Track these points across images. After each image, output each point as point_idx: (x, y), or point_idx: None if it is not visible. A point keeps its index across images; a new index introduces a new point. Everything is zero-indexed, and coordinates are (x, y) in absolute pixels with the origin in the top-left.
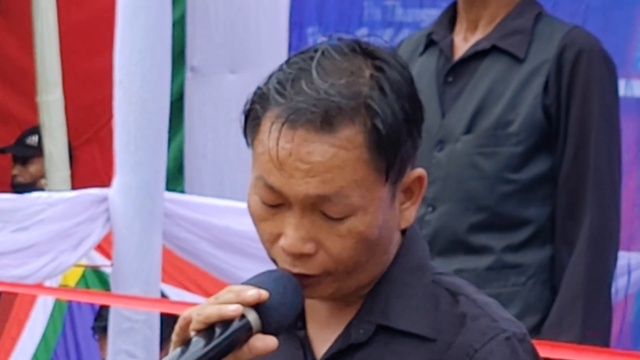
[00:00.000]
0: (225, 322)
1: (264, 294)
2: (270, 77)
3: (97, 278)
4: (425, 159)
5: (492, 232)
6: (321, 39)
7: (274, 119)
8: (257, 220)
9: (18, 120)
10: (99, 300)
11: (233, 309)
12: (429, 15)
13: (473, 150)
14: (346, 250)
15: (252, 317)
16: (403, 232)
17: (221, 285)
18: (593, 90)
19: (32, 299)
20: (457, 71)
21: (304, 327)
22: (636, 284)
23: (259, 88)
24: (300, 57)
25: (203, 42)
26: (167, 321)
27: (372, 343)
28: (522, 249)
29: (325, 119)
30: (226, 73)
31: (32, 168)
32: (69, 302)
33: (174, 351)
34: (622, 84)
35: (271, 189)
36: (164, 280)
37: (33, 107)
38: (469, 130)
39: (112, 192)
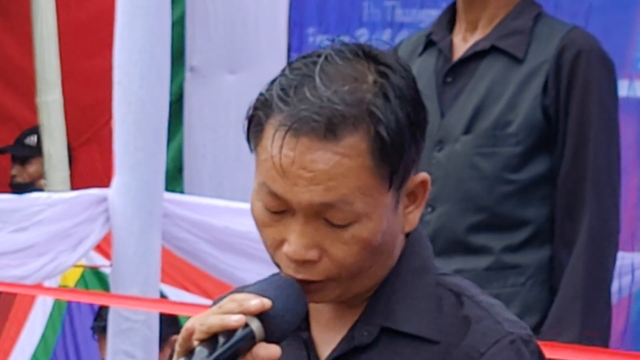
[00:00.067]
0: (229, 331)
1: (267, 302)
2: (272, 82)
3: (96, 278)
4: (424, 159)
5: (491, 232)
6: (321, 39)
7: (277, 126)
8: (260, 226)
9: (17, 121)
10: (98, 301)
11: (236, 320)
12: (429, 16)
13: (472, 151)
14: (350, 257)
15: (255, 325)
16: (407, 233)
17: (220, 286)
18: (592, 91)
19: (32, 299)
20: (456, 71)
21: (307, 328)
22: (636, 284)
23: (261, 94)
24: (302, 62)
25: (202, 42)
26: (167, 321)
27: (375, 345)
28: (521, 250)
29: (329, 127)
30: (225, 73)
31: (31, 168)
32: (68, 302)
33: None
34: (624, 85)
35: (275, 195)
36: (163, 281)
37: (32, 108)
38: (468, 130)
39: (111, 192)
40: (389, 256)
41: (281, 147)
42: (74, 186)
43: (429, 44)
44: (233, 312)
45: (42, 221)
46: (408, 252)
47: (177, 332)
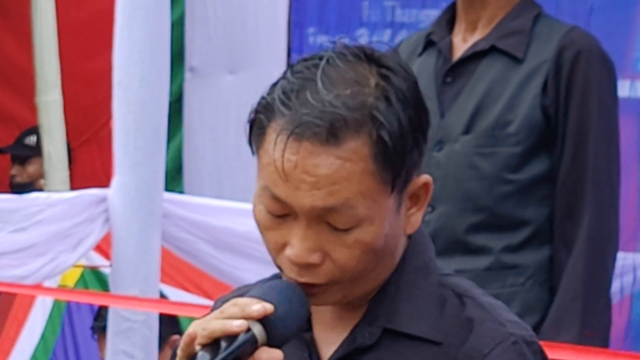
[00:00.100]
0: (231, 336)
1: (269, 307)
2: (274, 85)
3: (95, 278)
4: (424, 159)
5: (491, 232)
6: (321, 39)
7: (280, 130)
8: (262, 229)
9: (17, 121)
10: (98, 301)
11: (238, 325)
12: (428, 16)
13: (472, 151)
14: (352, 260)
15: (257, 329)
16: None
17: (220, 286)
18: (592, 91)
19: (31, 300)
20: (455, 71)
21: (309, 329)
22: (636, 284)
23: (263, 97)
24: (304, 65)
25: (202, 42)
26: (166, 321)
27: (378, 346)
28: (521, 250)
29: (331, 132)
30: (225, 73)
31: (31, 168)
32: (68, 302)
33: None
34: (626, 85)
35: (277, 199)
36: (162, 281)
37: (32, 108)
38: (467, 130)
39: (111, 192)
40: (391, 258)
41: (283, 151)
42: (74, 186)
43: (429, 44)
44: (235, 317)
45: (41, 221)
46: (410, 253)
47: (177, 332)
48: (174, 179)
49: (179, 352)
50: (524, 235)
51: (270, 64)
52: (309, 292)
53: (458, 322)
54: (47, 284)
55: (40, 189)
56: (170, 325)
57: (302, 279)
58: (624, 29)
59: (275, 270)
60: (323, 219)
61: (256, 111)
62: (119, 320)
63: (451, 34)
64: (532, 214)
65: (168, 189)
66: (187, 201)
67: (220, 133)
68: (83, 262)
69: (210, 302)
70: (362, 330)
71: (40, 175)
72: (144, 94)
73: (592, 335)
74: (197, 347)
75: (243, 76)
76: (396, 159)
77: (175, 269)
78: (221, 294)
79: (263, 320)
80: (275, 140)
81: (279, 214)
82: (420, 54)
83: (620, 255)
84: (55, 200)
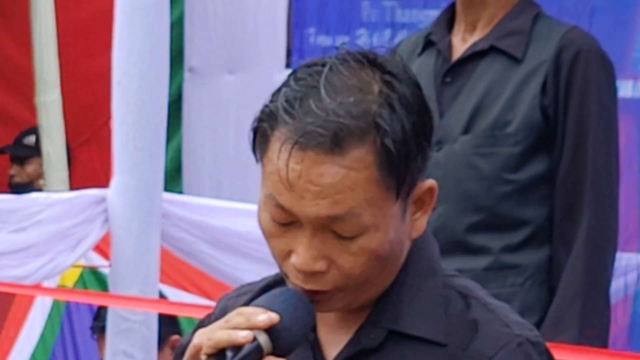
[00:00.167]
0: (237, 346)
1: (274, 317)
2: (277, 92)
3: (95, 278)
4: None
5: (490, 232)
6: (322, 39)
7: (284, 139)
8: (267, 237)
9: (16, 121)
10: (97, 301)
11: (244, 336)
12: (428, 16)
13: (471, 151)
14: (358, 267)
15: (263, 339)
16: None
17: (219, 286)
18: (591, 91)
19: (30, 300)
20: (455, 72)
21: (313, 329)
22: (635, 285)
23: (266, 105)
24: (307, 72)
25: (201, 42)
26: (166, 322)
27: (382, 348)
28: (520, 250)
29: (335, 141)
30: (224, 74)
31: (30, 168)
32: (67, 302)
33: None
34: (628, 85)
35: (282, 208)
36: (162, 281)
37: (31, 108)
38: (467, 130)
39: (110, 192)
40: (396, 263)
41: (288, 160)
42: (73, 186)
43: (428, 44)
44: (240, 327)
45: (41, 221)
46: (414, 255)
47: (176, 332)
48: (173, 179)
49: None
50: (524, 235)
51: (269, 64)
52: (314, 299)
53: (463, 323)
54: (46, 284)
55: (40, 189)
56: (169, 326)
57: (308, 287)
58: (626, 30)
59: (275, 270)
60: (328, 227)
61: (259, 119)
62: (118, 321)
63: (450, 34)
64: (531, 214)
65: (167, 189)
66: (187, 201)
67: (220, 133)
68: (82, 262)
69: (209, 302)
70: (366, 332)
71: (39, 175)
72: (143, 94)
73: (591, 336)
74: (203, 357)
75: (242, 76)
76: (400, 166)
77: (175, 269)
78: (220, 295)
79: (269, 329)
80: (279, 149)
81: (284, 222)
82: (419, 54)
83: (620, 255)
84: (55, 201)
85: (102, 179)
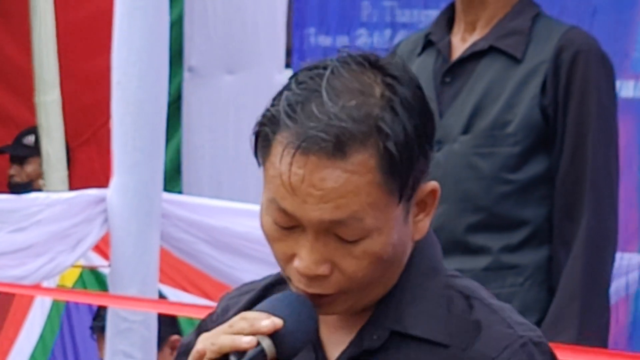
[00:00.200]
0: (240, 351)
1: (278, 322)
2: (278, 96)
3: (94, 279)
4: None
5: (490, 232)
6: (322, 39)
7: (286, 144)
8: (270, 240)
9: (16, 121)
10: (97, 301)
11: (247, 341)
12: (427, 16)
13: (470, 151)
14: (361, 270)
15: (267, 344)
16: None
17: (219, 286)
18: (590, 91)
19: (30, 300)
20: (454, 72)
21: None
22: (634, 285)
23: (268, 109)
24: (308, 76)
25: (201, 42)
26: (165, 322)
27: (385, 349)
28: (520, 250)
29: (337, 146)
30: (224, 73)
31: (29, 168)
32: (67, 302)
33: None
34: (630, 85)
35: (284, 212)
36: (161, 281)
37: (31, 108)
38: (466, 130)
39: (109, 192)
40: (399, 265)
41: (290, 165)
42: (73, 186)
43: (428, 44)
44: (244, 332)
45: (40, 221)
46: (417, 255)
47: (176, 332)
48: (173, 179)
49: None
50: (523, 235)
51: (269, 64)
52: (317, 302)
53: (466, 324)
54: (45, 284)
55: (39, 189)
56: (169, 326)
57: (311, 290)
58: (627, 30)
59: (274, 270)
60: (331, 231)
61: (261, 123)
62: (117, 321)
63: (450, 34)
64: (531, 214)
65: (167, 189)
66: (186, 201)
67: (219, 133)
68: (82, 262)
69: (209, 303)
70: (369, 333)
71: (39, 175)
72: (143, 94)
73: (590, 336)
74: None
75: (242, 76)
76: (403, 169)
77: (174, 269)
78: (220, 295)
79: (272, 334)
80: (281, 153)
81: (287, 225)
82: (419, 54)
83: (619, 255)
84: (54, 201)
85: (101, 179)
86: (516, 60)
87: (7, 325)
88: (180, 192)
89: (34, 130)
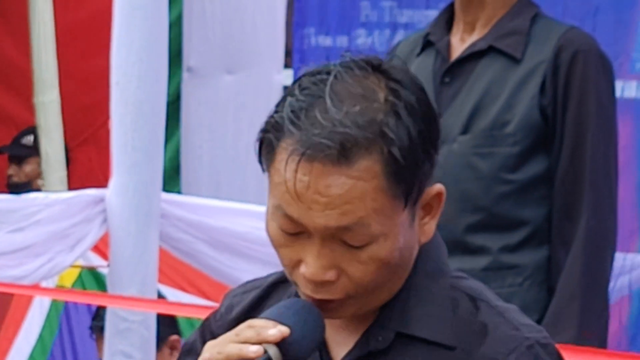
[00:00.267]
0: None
1: (285, 331)
2: (282, 102)
3: (93, 279)
4: None
5: (489, 232)
6: (322, 39)
7: (290, 151)
8: (276, 246)
9: (15, 121)
10: (96, 301)
11: (254, 351)
12: (426, 17)
13: (470, 151)
14: (368, 276)
15: (273, 352)
16: None
17: (218, 286)
18: (589, 91)
19: (29, 300)
20: (453, 72)
21: None
22: (633, 285)
23: (271, 116)
24: (311, 81)
25: (200, 42)
26: (164, 322)
27: (390, 350)
28: (519, 250)
29: (342, 152)
30: (223, 74)
31: (28, 168)
32: (66, 302)
33: None
34: (633, 86)
35: (290, 218)
36: (160, 281)
37: (30, 108)
38: (465, 130)
39: (108, 192)
40: (405, 268)
41: (295, 172)
42: (72, 186)
43: (427, 44)
44: (251, 341)
45: (39, 221)
46: (423, 257)
47: (175, 332)
48: (172, 179)
49: None
50: (522, 235)
51: (268, 64)
52: (324, 307)
53: (472, 326)
54: (44, 284)
55: (38, 189)
56: (168, 326)
57: (318, 296)
58: (629, 30)
59: (272, 270)
60: (337, 237)
61: (265, 130)
62: (116, 321)
63: (449, 34)
64: (530, 214)
65: (166, 189)
66: (185, 201)
67: (218, 133)
68: (81, 262)
69: (208, 303)
70: (375, 334)
71: (37, 174)
72: (142, 95)
73: (589, 336)
74: None
75: (241, 76)
76: (408, 174)
77: (173, 270)
78: (219, 295)
79: (279, 342)
80: (286, 160)
81: (293, 232)
82: (418, 55)
83: (619, 255)
84: (53, 201)
85: (100, 179)
86: (515, 61)
87: (6, 325)
88: (179, 192)
89: (32, 130)
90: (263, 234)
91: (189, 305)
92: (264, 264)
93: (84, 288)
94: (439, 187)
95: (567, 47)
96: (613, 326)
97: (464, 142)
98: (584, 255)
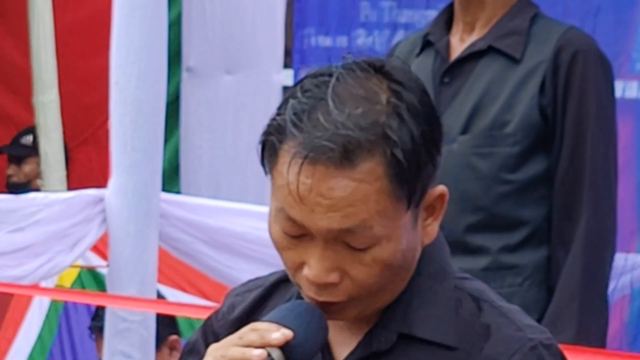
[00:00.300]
0: None
1: (288, 334)
2: (284, 104)
3: (93, 279)
4: None
5: (489, 232)
6: (322, 39)
7: (293, 153)
8: (279, 249)
9: (14, 121)
10: (95, 301)
11: (257, 354)
12: (426, 17)
13: (469, 151)
14: (371, 278)
15: (277, 355)
16: None
17: (217, 286)
18: (589, 91)
19: (28, 300)
20: (453, 72)
21: None
22: (633, 285)
23: (273, 119)
24: (313, 83)
25: (199, 42)
26: (164, 322)
27: (393, 351)
28: (519, 250)
29: (344, 155)
30: (222, 74)
31: (27, 168)
32: (65, 302)
33: None
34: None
35: (293, 221)
36: (160, 281)
37: (29, 108)
38: (465, 130)
39: (108, 192)
40: (409, 269)
41: (298, 175)
42: (71, 186)
43: (426, 44)
44: (254, 344)
45: (39, 221)
46: (426, 259)
47: (174, 332)
48: (171, 179)
49: None
50: (522, 235)
51: (267, 65)
52: (327, 309)
53: (475, 327)
54: (44, 284)
55: (37, 189)
56: (167, 326)
57: (321, 298)
58: (630, 30)
59: (271, 270)
60: (340, 239)
61: (267, 133)
62: (116, 321)
63: (449, 34)
64: (530, 214)
65: (165, 189)
66: (184, 201)
67: (218, 133)
68: (80, 262)
69: (207, 303)
70: (377, 335)
71: (37, 175)
72: (141, 95)
73: (589, 336)
74: None
75: (240, 76)
76: (411, 176)
77: (173, 270)
78: (218, 295)
79: (282, 345)
80: (289, 163)
81: (296, 234)
82: (417, 55)
83: (619, 255)
84: (53, 201)
85: (99, 179)
86: (515, 61)
87: (5, 325)
88: (178, 192)
89: (32, 130)
90: (262, 234)
91: (189, 305)
92: (263, 264)
93: (84, 288)
94: (441, 188)
95: (566, 47)
96: (613, 326)
97: (463, 142)
98: (584, 256)
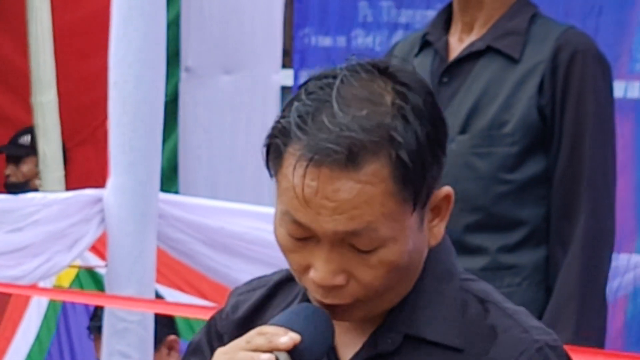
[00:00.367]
0: None
1: (296, 338)
2: (289, 106)
3: (91, 279)
4: None
5: (487, 232)
6: (322, 39)
7: (298, 156)
8: (285, 251)
9: (12, 121)
10: (93, 301)
11: (266, 359)
12: (425, 17)
13: (468, 151)
14: (377, 280)
15: (284, 358)
16: None
17: (215, 287)
18: (588, 91)
19: (26, 300)
20: (452, 72)
21: None
22: (631, 285)
23: (278, 121)
24: (318, 85)
25: (197, 43)
26: (162, 322)
27: (399, 352)
28: (517, 250)
29: (349, 157)
30: (220, 74)
31: (25, 168)
32: (63, 302)
33: None
34: (636, 86)
35: (298, 224)
36: (158, 281)
37: (27, 108)
38: (464, 130)
39: (106, 192)
40: (415, 271)
41: (303, 177)
42: (69, 186)
43: (425, 44)
44: (262, 348)
45: (37, 221)
46: (432, 260)
47: (173, 332)
48: (170, 179)
49: None
50: (521, 235)
51: (266, 65)
52: (334, 311)
53: (481, 329)
54: (42, 284)
55: (35, 189)
56: (166, 326)
57: (328, 300)
58: (632, 30)
59: (270, 270)
60: (346, 241)
61: (272, 135)
62: (114, 321)
63: (447, 34)
64: (528, 214)
65: (163, 189)
66: (183, 201)
67: (216, 133)
68: (78, 262)
69: (205, 303)
70: (383, 336)
71: (35, 175)
72: (140, 95)
73: (587, 335)
74: None
75: (238, 76)
76: (416, 178)
77: (171, 270)
78: (217, 295)
79: (290, 349)
80: (294, 165)
81: (301, 237)
82: (416, 55)
83: (617, 255)
84: (51, 201)
85: (98, 179)
86: (513, 61)
87: (4, 325)
88: (176, 193)
89: (30, 130)
90: (261, 234)
91: (187, 305)
92: (261, 264)
93: (82, 288)
94: (447, 189)
95: (565, 47)
96: (613, 326)
97: (462, 142)
98: (582, 255)
